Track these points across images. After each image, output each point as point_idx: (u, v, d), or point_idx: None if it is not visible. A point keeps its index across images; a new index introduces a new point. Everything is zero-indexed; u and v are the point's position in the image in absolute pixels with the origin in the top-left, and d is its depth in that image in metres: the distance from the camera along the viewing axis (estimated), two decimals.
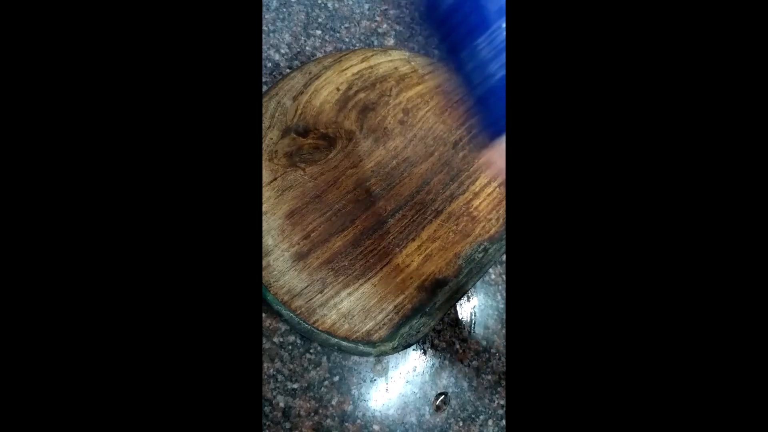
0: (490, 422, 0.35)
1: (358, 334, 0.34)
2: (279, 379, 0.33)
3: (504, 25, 0.21)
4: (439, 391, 0.36)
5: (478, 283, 0.39)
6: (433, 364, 0.36)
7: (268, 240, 0.35)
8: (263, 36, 0.44)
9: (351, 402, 0.34)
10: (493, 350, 0.37)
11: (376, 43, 0.47)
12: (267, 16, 0.45)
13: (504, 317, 0.39)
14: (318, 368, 0.34)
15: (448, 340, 0.37)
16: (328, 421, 0.33)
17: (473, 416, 0.35)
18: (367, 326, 0.34)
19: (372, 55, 0.43)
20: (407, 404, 0.35)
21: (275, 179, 0.36)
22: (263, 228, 0.35)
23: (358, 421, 0.34)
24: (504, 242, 0.39)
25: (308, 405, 0.33)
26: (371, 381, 0.35)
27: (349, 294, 0.35)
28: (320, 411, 0.33)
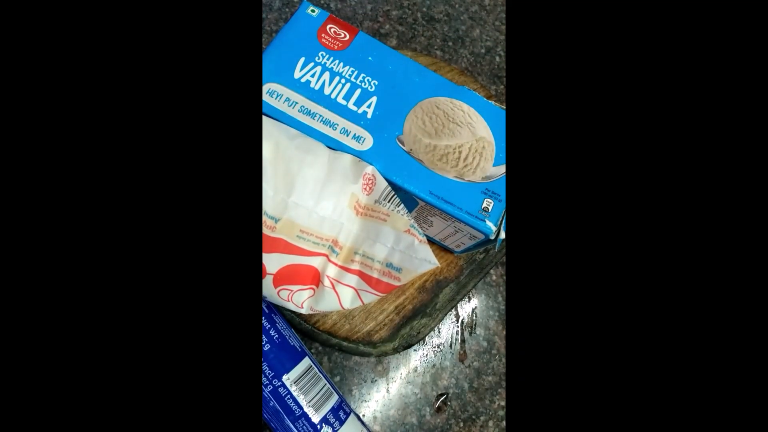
0: (490, 423, 0.35)
1: (358, 334, 0.34)
2: None
3: None
4: (439, 392, 0.36)
5: (480, 284, 0.39)
6: (433, 365, 0.36)
7: None
8: (266, 36, 0.44)
9: (352, 402, 0.34)
10: (493, 351, 0.37)
11: None
12: (270, 16, 0.45)
13: (505, 318, 0.39)
14: None
15: (449, 340, 0.37)
16: None
17: (474, 417, 0.35)
18: (368, 327, 0.34)
19: None
20: (408, 405, 0.35)
21: None
22: None
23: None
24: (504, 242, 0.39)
25: None
26: (372, 381, 0.35)
27: None
28: None
